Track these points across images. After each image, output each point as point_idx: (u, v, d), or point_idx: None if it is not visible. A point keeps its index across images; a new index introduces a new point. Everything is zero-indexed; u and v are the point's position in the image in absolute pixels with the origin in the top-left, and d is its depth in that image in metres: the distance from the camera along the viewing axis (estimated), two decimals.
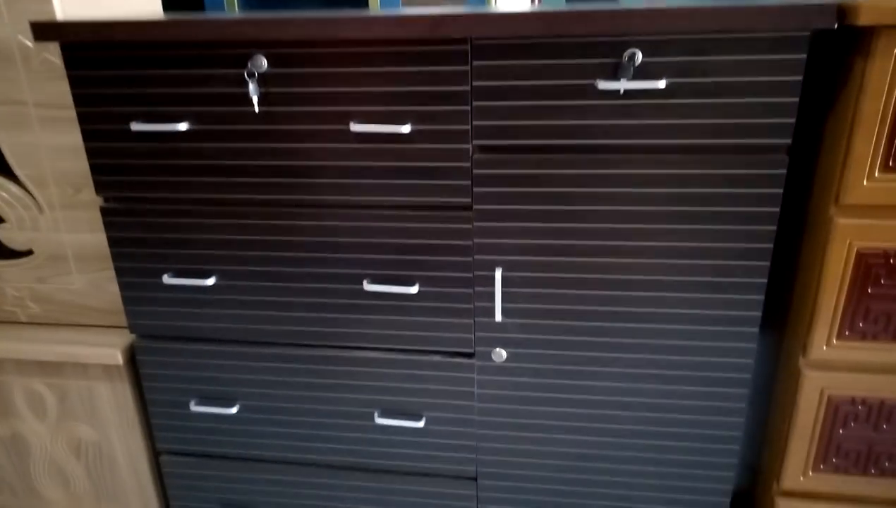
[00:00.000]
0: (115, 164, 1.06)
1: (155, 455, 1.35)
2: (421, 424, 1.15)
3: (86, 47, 0.99)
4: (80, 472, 1.38)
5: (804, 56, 0.86)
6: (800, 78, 0.87)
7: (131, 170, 1.06)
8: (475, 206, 1.00)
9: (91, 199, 1.18)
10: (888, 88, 0.85)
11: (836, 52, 0.95)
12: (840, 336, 0.99)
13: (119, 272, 1.14)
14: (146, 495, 1.37)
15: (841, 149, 0.92)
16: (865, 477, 1.07)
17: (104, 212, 1.10)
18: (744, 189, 0.93)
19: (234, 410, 1.20)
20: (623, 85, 0.88)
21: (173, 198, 1.08)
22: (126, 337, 1.25)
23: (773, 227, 0.95)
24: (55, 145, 1.15)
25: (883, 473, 1.06)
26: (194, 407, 1.20)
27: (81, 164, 1.15)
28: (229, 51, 0.96)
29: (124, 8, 1.24)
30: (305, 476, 1.26)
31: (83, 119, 1.04)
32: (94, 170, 1.07)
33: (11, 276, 1.27)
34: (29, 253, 1.25)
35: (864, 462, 1.06)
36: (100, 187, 1.08)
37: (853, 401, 1.02)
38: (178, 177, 1.05)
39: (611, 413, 1.11)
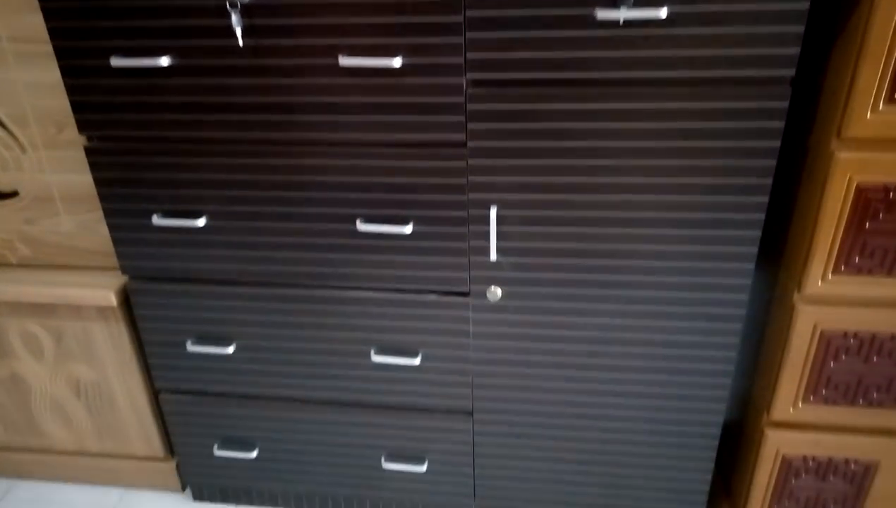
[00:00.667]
0: (96, 102, 1.02)
1: (154, 393, 1.36)
2: (417, 362, 1.16)
3: None
4: (80, 410, 1.40)
5: None
6: (806, 5, 0.83)
7: (114, 107, 1.03)
8: (469, 143, 0.98)
9: (75, 138, 1.14)
10: None
11: None
12: (836, 271, 0.99)
13: (107, 213, 1.12)
14: (147, 431, 1.40)
15: (845, 80, 0.89)
16: (853, 408, 1.09)
17: (88, 151, 1.07)
18: (744, 122, 0.91)
19: (230, 350, 1.20)
20: (623, 14, 0.84)
21: (159, 136, 1.05)
22: (120, 278, 1.24)
23: (773, 162, 0.93)
24: (33, 82, 1.11)
25: (871, 404, 1.08)
26: (191, 347, 1.21)
27: (62, 102, 1.12)
28: None
29: None
30: (304, 413, 1.28)
31: (60, 54, 0.99)
32: (76, 107, 1.03)
33: None
34: (14, 194, 1.23)
35: (853, 393, 1.08)
36: (82, 126, 1.05)
37: (845, 335, 1.03)
38: (163, 115, 1.02)
39: (605, 348, 1.12)
